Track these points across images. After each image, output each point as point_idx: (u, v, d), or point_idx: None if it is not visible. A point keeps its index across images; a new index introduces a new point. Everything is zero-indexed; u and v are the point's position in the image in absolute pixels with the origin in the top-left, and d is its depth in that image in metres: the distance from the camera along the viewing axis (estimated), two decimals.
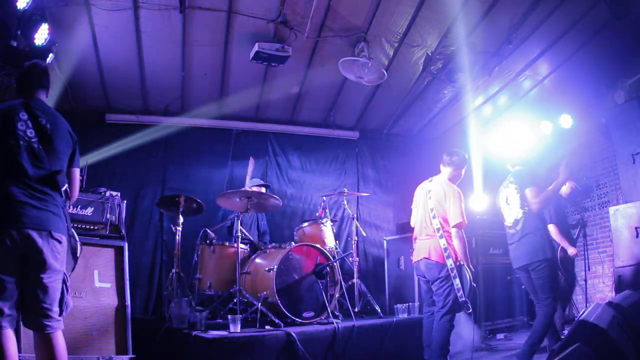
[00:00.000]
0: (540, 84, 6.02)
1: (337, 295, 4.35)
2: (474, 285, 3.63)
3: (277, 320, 3.84)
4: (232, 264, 4.35)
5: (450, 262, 3.61)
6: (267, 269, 4.05)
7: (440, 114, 6.67)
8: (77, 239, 2.63)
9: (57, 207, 2.33)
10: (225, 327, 3.65)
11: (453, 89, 6.00)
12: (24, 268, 2.20)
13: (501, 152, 6.64)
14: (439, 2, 4.59)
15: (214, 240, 4.56)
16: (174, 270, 4.39)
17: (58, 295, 2.28)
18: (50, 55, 3.99)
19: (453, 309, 3.62)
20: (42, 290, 2.21)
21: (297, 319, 3.92)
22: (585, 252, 6.25)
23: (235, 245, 4.33)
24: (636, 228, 4.61)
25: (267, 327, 3.81)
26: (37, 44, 3.79)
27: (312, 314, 4.07)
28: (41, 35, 3.79)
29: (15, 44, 3.69)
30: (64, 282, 2.32)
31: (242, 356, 3.33)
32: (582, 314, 2.37)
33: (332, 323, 3.89)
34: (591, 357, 1.78)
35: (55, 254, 2.26)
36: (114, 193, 4.02)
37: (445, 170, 4.04)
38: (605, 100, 5.72)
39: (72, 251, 2.51)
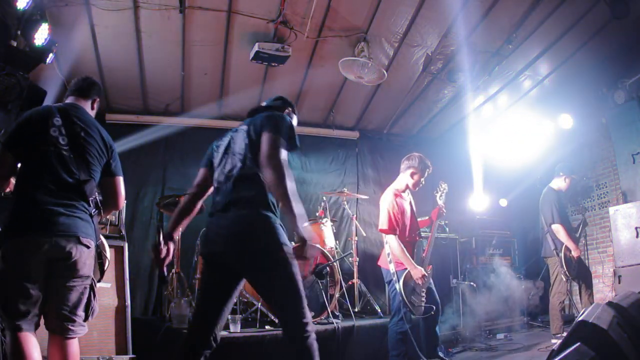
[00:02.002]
0: (540, 84, 6.02)
1: (337, 295, 4.35)
2: (417, 286, 3.69)
3: (277, 320, 3.84)
4: None
5: (392, 267, 3.72)
6: None
7: (440, 114, 6.68)
8: (107, 249, 2.61)
9: (85, 214, 2.30)
10: (225, 327, 3.65)
11: (453, 89, 6.00)
12: (50, 271, 2.18)
13: (501, 152, 6.66)
14: (439, 2, 4.59)
15: None
16: (174, 270, 4.39)
17: (84, 300, 2.26)
18: (50, 55, 3.99)
19: (399, 312, 3.69)
20: (68, 294, 2.20)
21: None
22: (586, 252, 6.26)
23: None
24: (636, 228, 4.61)
25: (267, 327, 3.81)
26: (37, 44, 3.79)
27: (312, 314, 4.06)
28: (41, 35, 3.79)
29: (15, 44, 3.69)
30: (92, 287, 2.31)
31: (242, 356, 3.33)
32: (582, 314, 2.37)
33: (332, 323, 3.89)
34: (591, 357, 1.78)
35: (84, 259, 2.24)
36: None
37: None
38: (605, 100, 5.72)
39: (99, 261, 2.49)
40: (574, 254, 4.72)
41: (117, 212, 3.91)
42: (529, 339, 5.31)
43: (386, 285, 3.90)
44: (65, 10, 4.24)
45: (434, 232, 4.03)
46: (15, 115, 4.10)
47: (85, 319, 2.28)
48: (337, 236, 5.74)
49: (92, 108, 2.60)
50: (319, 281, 4.17)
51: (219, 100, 5.88)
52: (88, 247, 2.26)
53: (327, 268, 4.23)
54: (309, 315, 2.14)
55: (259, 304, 3.92)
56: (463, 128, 6.65)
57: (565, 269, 4.68)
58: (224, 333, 3.48)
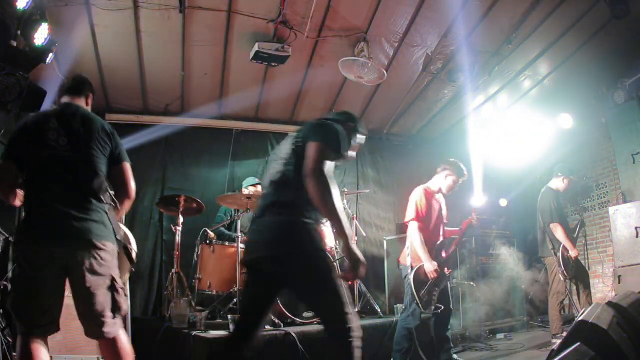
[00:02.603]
0: (540, 84, 6.02)
1: None
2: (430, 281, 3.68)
3: (277, 320, 3.85)
4: (232, 264, 4.35)
5: (408, 261, 3.75)
6: None
7: (440, 114, 6.68)
8: (132, 239, 2.60)
9: (98, 214, 2.26)
10: (225, 327, 3.66)
11: (453, 89, 6.00)
12: (69, 277, 2.18)
13: (501, 152, 6.66)
14: (439, 2, 4.59)
15: (214, 240, 4.56)
16: (174, 270, 4.39)
17: (108, 301, 2.22)
18: (50, 55, 3.98)
19: (409, 307, 3.71)
20: (91, 299, 2.17)
21: (297, 319, 3.92)
22: (585, 252, 6.25)
23: (235, 245, 4.33)
24: (636, 228, 4.61)
25: (267, 327, 3.81)
26: (37, 44, 3.79)
27: (312, 314, 4.07)
28: (41, 35, 3.79)
29: (15, 44, 3.69)
30: (113, 286, 2.25)
31: None
32: (582, 314, 2.36)
33: None
34: (591, 357, 1.78)
35: (100, 261, 2.21)
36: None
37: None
38: (605, 100, 5.72)
39: (126, 252, 2.47)
40: (572, 254, 4.72)
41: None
42: (529, 339, 5.32)
43: (403, 281, 3.90)
44: (65, 10, 4.23)
45: (460, 238, 4.08)
46: (15, 115, 4.10)
47: (114, 317, 2.24)
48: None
49: (87, 104, 2.57)
50: None
51: (219, 100, 5.88)
52: (103, 249, 2.23)
53: None
54: (353, 319, 2.07)
55: None
56: (463, 128, 6.65)
57: (563, 268, 4.69)
58: (223, 333, 3.48)
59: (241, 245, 4.38)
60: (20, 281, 2.15)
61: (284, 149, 2.32)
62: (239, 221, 4.37)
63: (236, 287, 4.11)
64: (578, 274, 4.82)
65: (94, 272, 2.18)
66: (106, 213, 2.30)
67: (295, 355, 3.50)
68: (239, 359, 2.16)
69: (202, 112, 5.97)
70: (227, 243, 4.62)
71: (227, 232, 5.10)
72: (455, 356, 3.91)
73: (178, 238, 4.47)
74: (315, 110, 6.43)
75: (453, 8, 4.61)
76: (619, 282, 4.67)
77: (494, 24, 4.88)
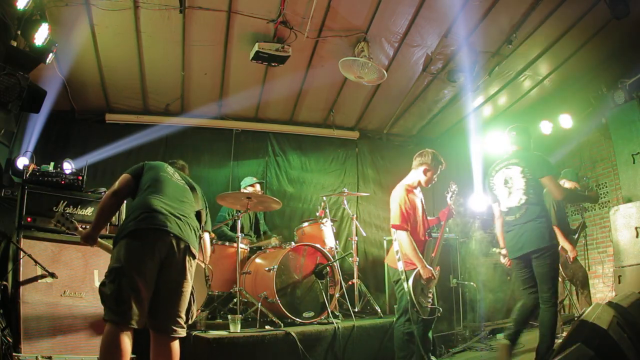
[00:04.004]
0: (540, 84, 6.02)
1: (337, 295, 4.35)
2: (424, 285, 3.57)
3: (277, 320, 3.85)
4: (232, 264, 4.35)
5: (400, 266, 3.56)
6: (267, 269, 4.05)
7: (440, 114, 6.68)
8: (210, 266, 3.07)
9: (195, 229, 2.60)
10: (225, 327, 3.65)
11: (453, 89, 6.00)
12: (162, 272, 2.37)
13: (501, 152, 6.65)
14: (439, 2, 4.59)
15: (214, 240, 4.56)
16: None
17: (186, 305, 2.47)
18: (50, 55, 3.99)
19: (406, 312, 3.56)
20: (178, 297, 2.41)
21: (297, 319, 3.92)
22: (586, 252, 6.25)
23: (235, 245, 4.33)
24: (636, 228, 4.61)
25: (267, 327, 3.81)
26: (37, 44, 3.80)
27: (312, 314, 4.07)
28: (41, 35, 3.79)
29: (15, 44, 3.69)
30: (192, 293, 2.53)
31: (242, 356, 3.33)
32: (582, 314, 2.37)
33: (332, 323, 3.89)
34: (591, 357, 1.78)
35: (189, 267, 2.48)
36: None
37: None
38: (605, 100, 5.71)
39: (205, 277, 2.88)
40: (570, 254, 4.72)
41: (118, 212, 3.89)
42: (529, 339, 5.30)
43: (393, 284, 3.73)
44: (65, 10, 4.24)
45: (442, 233, 3.87)
46: (16, 115, 4.10)
47: (186, 322, 2.46)
48: (337, 236, 5.74)
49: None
50: (319, 281, 4.18)
51: (219, 100, 5.89)
52: (195, 257, 2.53)
53: (327, 268, 4.24)
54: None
55: (259, 304, 3.92)
56: (463, 128, 6.65)
57: (561, 269, 4.69)
58: (223, 333, 3.48)
59: (242, 246, 4.39)
60: (126, 266, 2.29)
61: (517, 181, 3.66)
62: (239, 221, 4.37)
63: (236, 287, 4.10)
64: (577, 275, 4.83)
65: (186, 273, 2.47)
66: (200, 238, 2.76)
67: (295, 355, 3.50)
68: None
69: (202, 112, 5.98)
70: (227, 243, 4.62)
71: (229, 232, 5.09)
72: (432, 358, 3.80)
73: None
74: (315, 110, 6.43)
75: (453, 8, 4.62)
76: (619, 282, 4.67)
77: (494, 24, 4.88)
